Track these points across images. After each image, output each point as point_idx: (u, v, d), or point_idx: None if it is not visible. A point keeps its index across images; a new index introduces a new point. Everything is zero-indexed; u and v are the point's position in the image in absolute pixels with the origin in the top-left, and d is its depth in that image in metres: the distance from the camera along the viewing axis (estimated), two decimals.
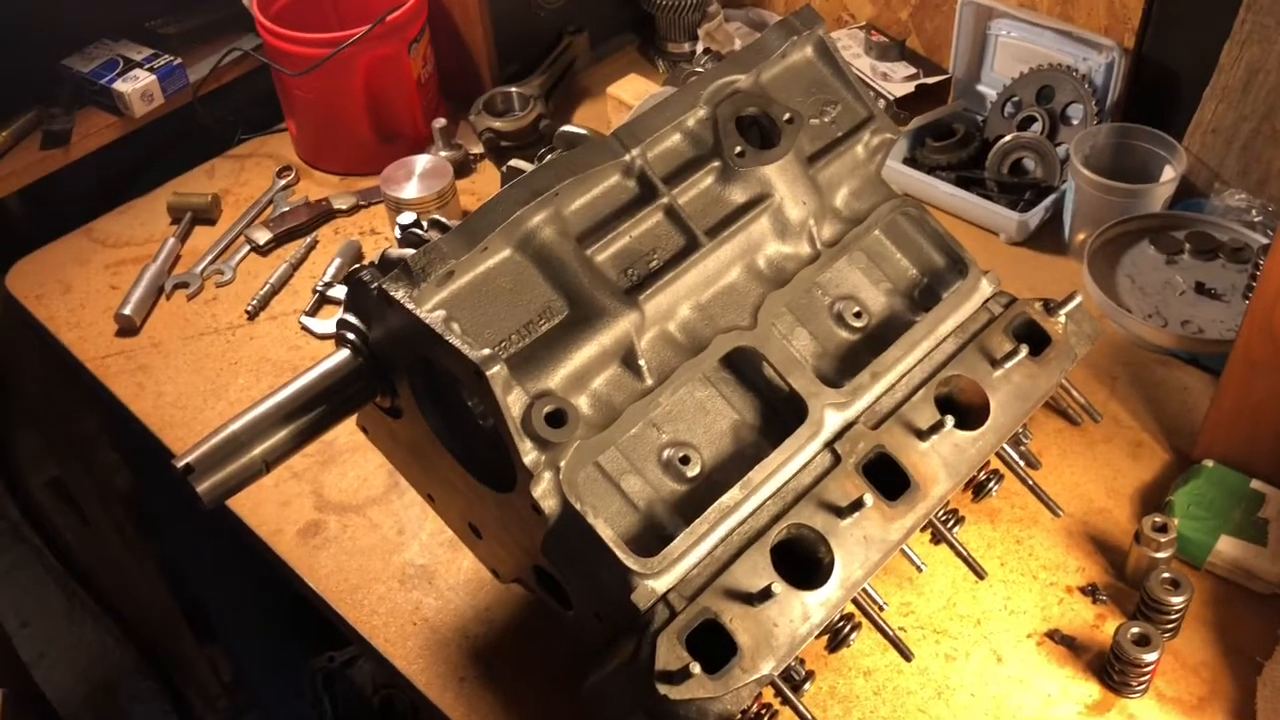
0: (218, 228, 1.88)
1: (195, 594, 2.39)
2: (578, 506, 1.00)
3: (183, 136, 2.00)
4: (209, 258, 1.82)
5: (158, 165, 1.99)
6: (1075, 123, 1.77)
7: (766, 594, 1.00)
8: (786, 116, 1.20)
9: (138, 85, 1.87)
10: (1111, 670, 1.19)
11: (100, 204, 1.93)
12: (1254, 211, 1.61)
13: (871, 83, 1.92)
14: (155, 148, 1.99)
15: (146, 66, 1.90)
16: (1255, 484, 1.33)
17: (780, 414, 1.13)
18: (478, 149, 1.96)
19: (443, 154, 1.90)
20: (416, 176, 1.78)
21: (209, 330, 1.71)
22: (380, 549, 1.41)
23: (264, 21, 1.83)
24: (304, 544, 1.42)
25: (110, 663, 2.69)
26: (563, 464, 1.01)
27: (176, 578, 2.35)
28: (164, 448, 1.55)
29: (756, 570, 1.02)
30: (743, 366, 1.14)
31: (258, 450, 1.08)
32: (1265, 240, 1.56)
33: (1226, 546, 1.27)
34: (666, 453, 1.09)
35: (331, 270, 1.76)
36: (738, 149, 1.18)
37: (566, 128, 1.23)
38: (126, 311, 1.70)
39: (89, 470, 2.17)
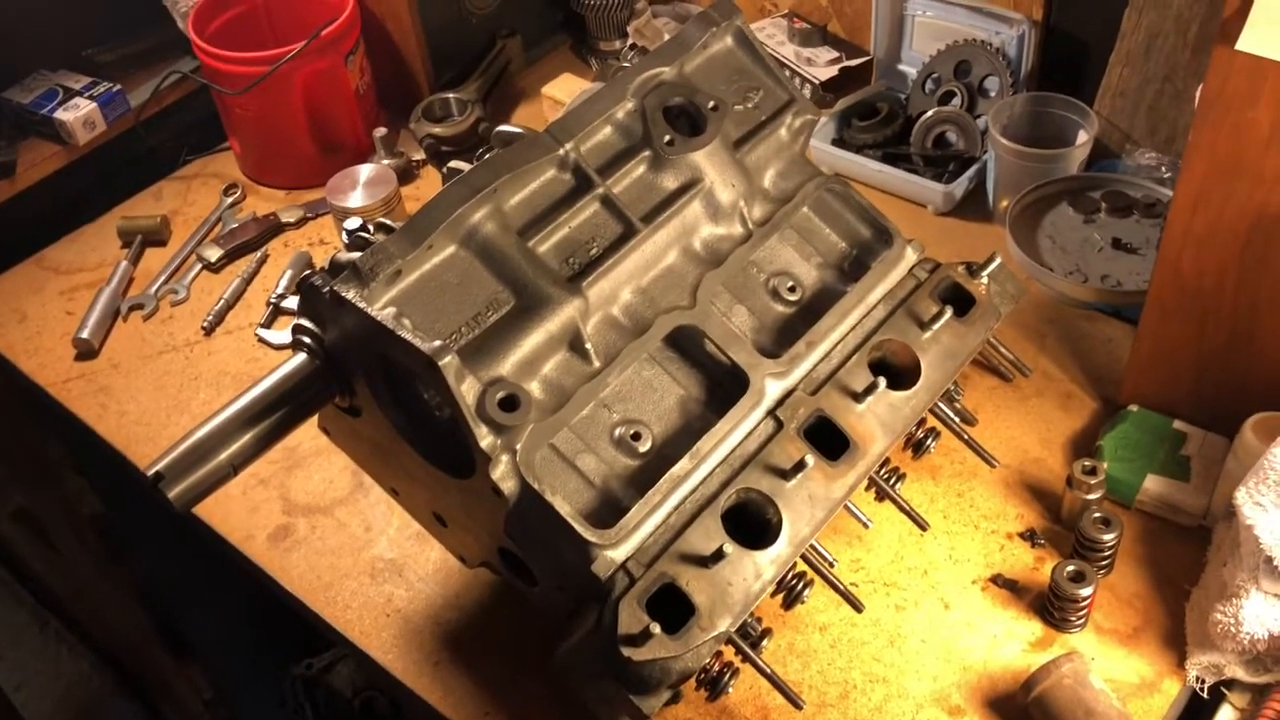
0: (169, 248, 1.91)
1: (170, 613, 2.41)
2: (536, 486, 1.05)
3: (127, 161, 2.02)
4: (162, 278, 1.85)
5: (104, 191, 2.01)
6: (992, 94, 1.84)
7: (719, 555, 1.06)
8: (711, 104, 1.25)
9: (79, 113, 1.89)
10: (1051, 608, 1.26)
11: (49, 233, 1.95)
12: (1164, 168, 1.69)
13: (796, 69, 1.98)
14: (100, 174, 2.01)
15: (86, 94, 1.93)
16: (1177, 424, 1.40)
17: (724, 386, 1.18)
18: (420, 155, 2.00)
19: (385, 162, 1.94)
20: (361, 185, 1.82)
21: (167, 348, 1.74)
22: (350, 547, 1.45)
23: (200, 43, 1.86)
24: (275, 547, 1.46)
25: (89, 688, 2.69)
26: (519, 447, 1.06)
27: (150, 598, 2.36)
28: (132, 466, 1.58)
29: (709, 534, 1.08)
30: (685, 344, 1.19)
31: (224, 455, 1.13)
32: None
33: (1153, 484, 1.35)
34: (618, 430, 1.14)
35: (284, 282, 1.80)
36: (667, 138, 1.23)
37: (502, 127, 1.28)
38: (84, 335, 1.73)
39: (56, 498, 2.18)
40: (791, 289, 1.27)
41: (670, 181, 1.24)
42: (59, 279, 1.88)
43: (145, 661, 2.52)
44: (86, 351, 1.74)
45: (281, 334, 1.73)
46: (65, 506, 2.19)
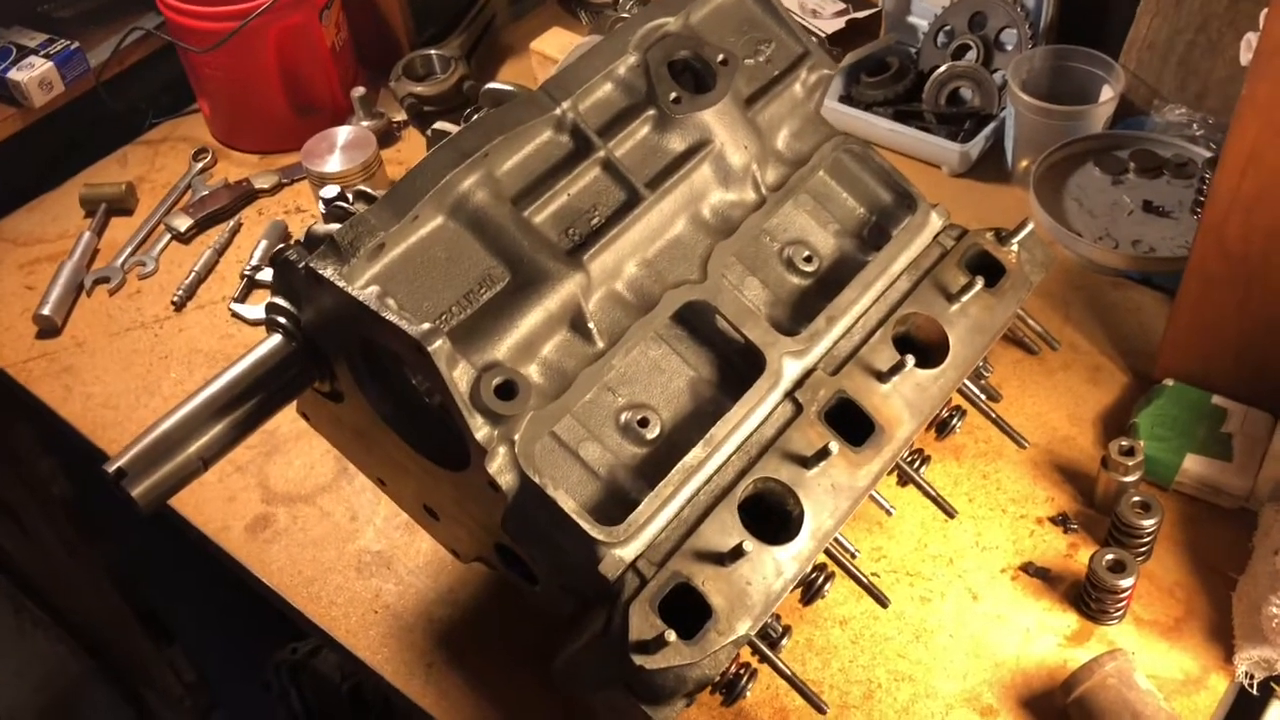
0: (135, 218, 1.81)
1: (148, 596, 2.33)
2: (536, 480, 0.96)
3: (89, 125, 1.92)
4: (128, 249, 1.75)
5: (65, 157, 1.91)
6: (1010, 48, 1.75)
7: (738, 552, 0.97)
8: (720, 58, 1.15)
9: (34, 73, 1.77)
10: (1088, 599, 1.18)
11: (6, 202, 1.86)
12: (1195, 126, 1.60)
13: (801, 21, 1.87)
14: (60, 139, 1.90)
15: (42, 53, 1.81)
16: (1216, 400, 1.32)
17: (737, 367, 1.09)
18: (401, 116, 1.90)
19: (365, 124, 1.84)
20: (339, 149, 1.72)
21: (135, 325, 1.64)
22: (334, 538, 1.36)
23: None
24: (254, 539, 1.37)
25: (66, 673, 2.62)
26: (517, 437, 0.97)
27: (127, 581, 2.28)
28: (98, 451, 1.49)
29: (725, 529, 0.99)
30: (695, 321, 1.10)
31: (193, 448, 1.03)
32: (1208, 154, 1.55)
33: (1193, 464, 1.26)
34: (624, 416, 1.05)
35: (258, 253, 1.70)
36: (673, 95, 1.13)
37: (492, 85, 1.18)
38: (46, 312, 1.63)
39: (24, 480, 2.09)
40: (808, 259, 1.18)
41: (677, 143, 1.14)
42: (17, 251, 1.77)
43: (123, 645, 2.45)
44: (49, 329, 1.64)
45: (256, 308, 1.63)
46: (35, 489, 2.10)
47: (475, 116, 1.15)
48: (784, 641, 1.09)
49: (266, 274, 1.67)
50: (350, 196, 1.09)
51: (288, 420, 1.35)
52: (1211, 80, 1.58)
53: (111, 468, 1.00)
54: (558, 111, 1.09)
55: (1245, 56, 1.11)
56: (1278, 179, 1.14)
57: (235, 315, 1.64)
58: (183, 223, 1.76)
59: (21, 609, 2.66)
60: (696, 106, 1.13)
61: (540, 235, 1.05)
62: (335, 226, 0.99)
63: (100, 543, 2.21)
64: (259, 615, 2.03)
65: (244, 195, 1.81)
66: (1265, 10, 1.06)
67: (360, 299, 0.95)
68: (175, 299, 1.66)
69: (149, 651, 2.41)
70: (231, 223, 1.77)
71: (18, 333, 1.65)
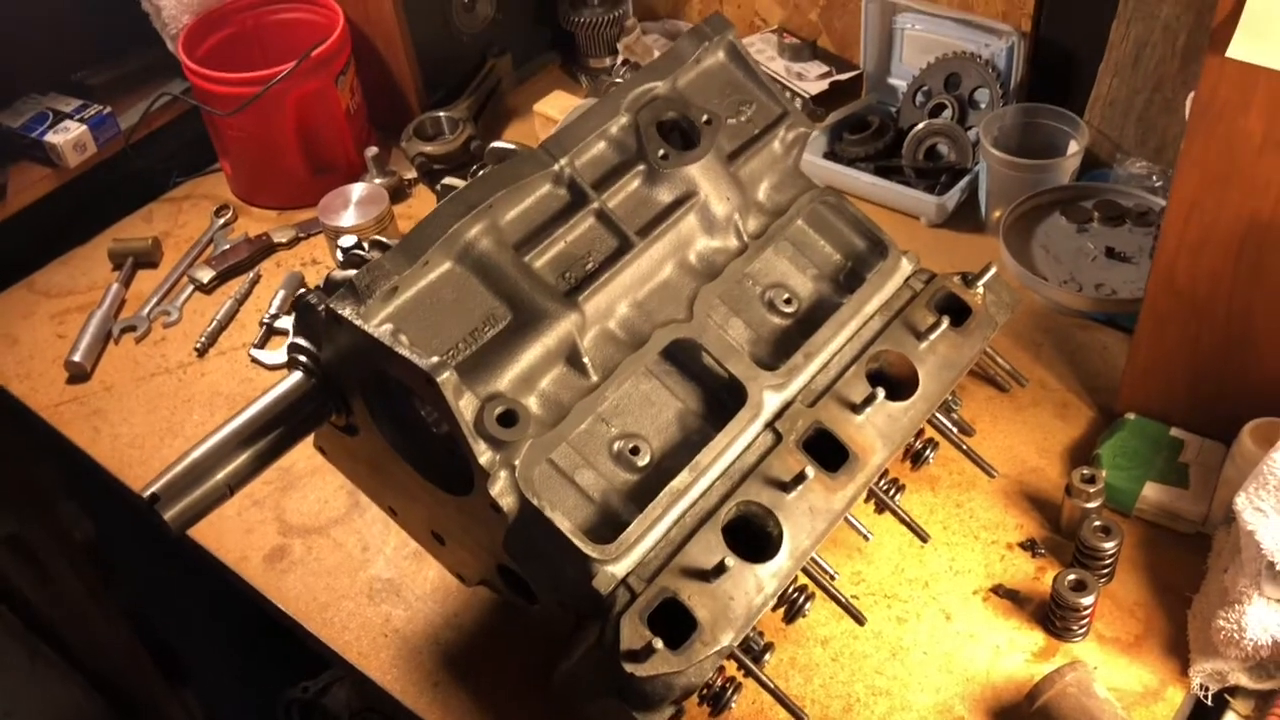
0: (160, 270, 1.91)
1: (162, 637, 2.39)
2: (535, 502, 1.04)
3: (116, 183, 2.02)
4: (154, 300, 1.84)
5: (93, 213, 2.00)
6: (983, 106, 1.85)
7: (721, 569, 1.05)
8: (705, 118, 1.26)
9: (69, 136, 1.89)
10: (1053, 617, 1.26)
11: (39, 256, 1.95)
12: (1155, 177, 1.70)
13: (787, 83, 1.99)
14: (90, 196, 2.00)
15: (77, 117, 1.92)
16: (1174, 431, 1.40)
17: (722, 399, 1.18)
18: (411, 174, 2.00)
19: (377, 181, 1.94)
20: (353, 204, 1.82)
21: (160, 370, 1.73)
22: (346, 566, 1.44)
23: (191, 65, 1.86)
24: (271, 569, 1.45)
25: (80, 714, 2.66)
26: (517, 462, 1.05)
27: (142, 622, 2.34)
28: (126, 489, 1.57)
29: (710, 548, 1.07)
30: (682, 357, 1.19)
31: (220, 475, 1.12)
32: (1166, 203, 1.65)
33: (1152, 492, 1.35)
34: (616, 445, 1.14)
35: (276, 302, 1.79)
36: (661, 152, 1.23)
37: (496, 144, 1.28)
38: (76, 358, 1.72)
39: (48, 523, 2.16)
40: (787, 301, 1.27)
41: (665, 195, 1.24)
42: (50, 302, 1.87)
43: (137, 686, 2.50)
44: (79, 374, 1.73)
45: (275, 354, 1.72)
46: (57, 531, 2.17)
47: (480, 172, 1.25)
48: (767, 656, 1.17)
49: (284, 322, 1.76)
50: (366, 245, 1.19)
51: (303, 457, 1.45)
52: (1168, 135, 1.68)
53: (147, 492, 1.08)
54: (556, 167, 1.19)
55: (1189, 113, 1.21)
56: (1217, 225, 1.24)
57: (255, 361, 1.73)
58: (205, 274, 1.85)
59: (36, 652, 2.72)
60: (683, 162, 1.23)
61: (539, 278, 1.14)
62: (353, 272, 1.09)
63: (119, 583, 2.27)
64: (270, 654, 2.10)
65: (263, 249, 1.91)
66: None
67: (376, 335, 1.04)
68: (198, 346, 1.75)
69: (163, 693, 2.46)
70: (251, 274, 1.87)
71: (50, 378, 1.74)
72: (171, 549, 1.41)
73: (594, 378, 1.14)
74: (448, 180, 1.27)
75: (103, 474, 1.62)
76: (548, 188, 1.20)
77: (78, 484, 2.05)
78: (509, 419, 1.05)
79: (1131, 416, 1.43)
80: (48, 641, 2.66)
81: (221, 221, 1.97)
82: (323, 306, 1.08)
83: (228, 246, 1.91)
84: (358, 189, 1.84)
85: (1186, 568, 1.31)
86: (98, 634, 2.39)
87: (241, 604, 1.47)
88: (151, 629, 2.36)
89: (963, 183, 1.78)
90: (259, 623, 1.46)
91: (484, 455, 1.04)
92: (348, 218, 1.80)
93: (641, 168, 1.23)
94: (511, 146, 1.28)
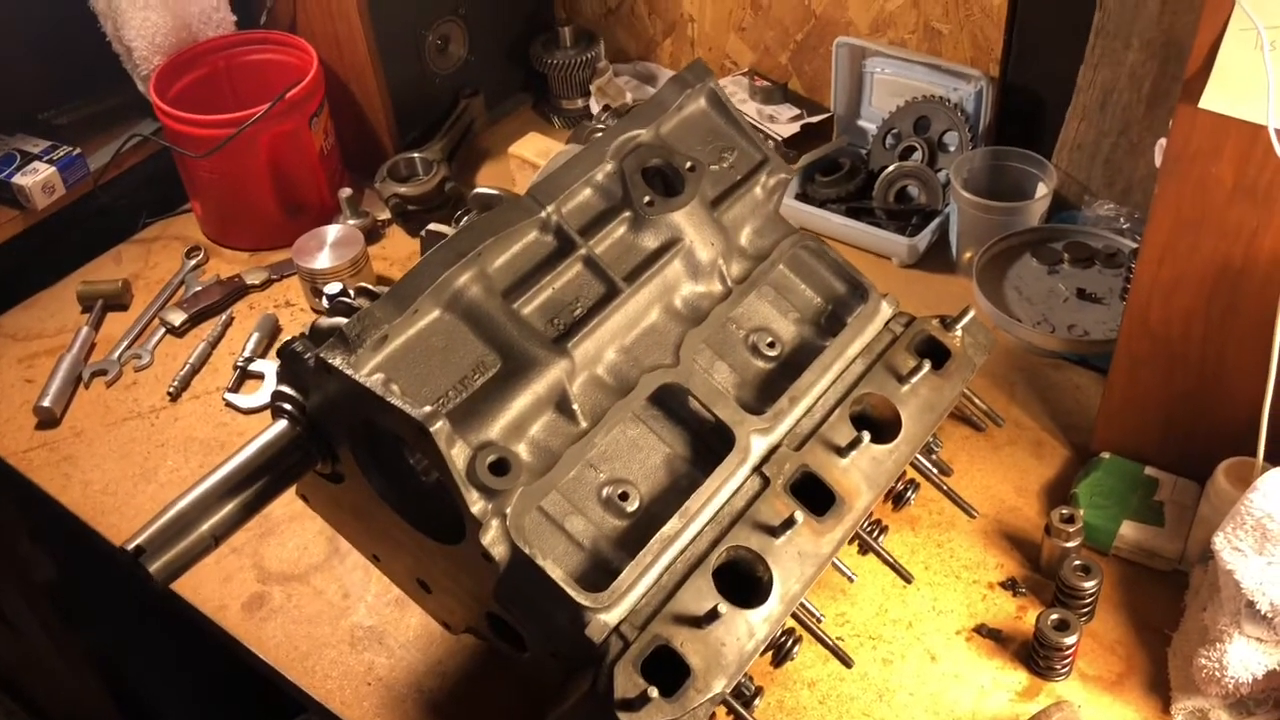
0: (130, 313, 1.89)
1: (129, 684, 2.34)
2: (526, 550, 1.04)
3: (85, 224, 2.00)
4: (125, 343, 1.82)
5: (62, 255, 1.98)
6: (952, 149, 1.88)
7: (713, 615, 1.06)
8: (688, 165, 1.27)
9: (38, 178, 1.87)
10: (1036, 657, 1.27)
11: (6, 298, 1.92)
12: (1122, 219, 1.73)
13: (759, 126, 2.01)
14: (58, 238, 1.98)
15: (45, 159, 1.90)
16: (1149, 470, 1.43)
17: (709, 444, 1.19)
18: (385, 215, 2.00)
19: (351, 222, 1.93)
20: (328, 246, 1.81)
21: (132, 415, 1.71)
22: (327, 614, 1.42)
23: (162, 106, 1.85)
24: (250, 617, 1.43)
25: None
26: (509, 511, 1.05)
27: (110, 671, 2.30)
28: (98, 536, 1.55)
29: (701, 594, 1.08)
30: (670, 402, 1.20)
31: (205, 526, 1.10)
32: (1134, 245, 1.69)
33: (1129, 530, 1.37)
34: (605, 490, 1.14)
35: (250, 345, 1.78)
36: (646, 198, 1.24)
37: (480, 189, 1.29)
38: (46, 403, 1.69)
39: (9, 567, 2.12)
40: (771, 345, 1.28)
41: (651, 241, 1.25)
42: (17, 346, 1.84)
43: None
44: (48, 420, 1.70)
45: (249, 398, 1.71)
46: (17, 574, 2.13)
47: (465, 219, 1.26)
48: (757, 701, 1.17)
49: (258, 365, 1.75)
50: (352, 292, 1.18)
51: (282, 503, 1.42)
52: (1135, 178, 1.72)
53: (131, 545, 1.06)
54: (543, 214, 1.20)
55: (1158, 159, 1.24)
56: (1189, 268, 1.27)
57: (229, 404, 1.71)
58: (177, 317, 1.84)
59: None
60: (668, 208, 1.25)
61: (528, 325, 1.14)
62: (341, 320, 1.09)
63: (82, 629, 2.23)
64: (241, 701, 2.07)
65: (235, 290, 1.89)
66: (1172, 120, 1.20)
67: (367, 385, 1.03)
68: (171, 390, 1.73)
69: None
70: (224, 316, 1.85)
71: (18, 424, 1.71)
72: (137, 595, 1.38)
73: (583, 424, 1.14)
74: (433, 226, 1.28)
75: (72, 521, 1.59)
76: (535, 235, 1.20)
77: (42, 528, 2.01)
78: (501, 467, 1.05)
79: (1107, 456, 1.45)
80: (8, 689, 2.60)
81: (193, 263, 1.96)
82: (310, 355, 1.08)
83: (199, 288, 1.89)
84: (333, 230, 1.83)
85: (1165, 605, 1.32)
86: (62, 681, 2.34)
87: (211, 651, 1.45)
88: (117, 675, 2.32)
89: (933, 224, 1.81)
90: (230, 669, 1.44)
91: (476, 504, 1.04)
92: (323, 259, 1.79)
93: (627, 214, 1.24)
94: (496, 192, 1.29)
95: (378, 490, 1.15)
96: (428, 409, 1.02)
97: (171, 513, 1.09)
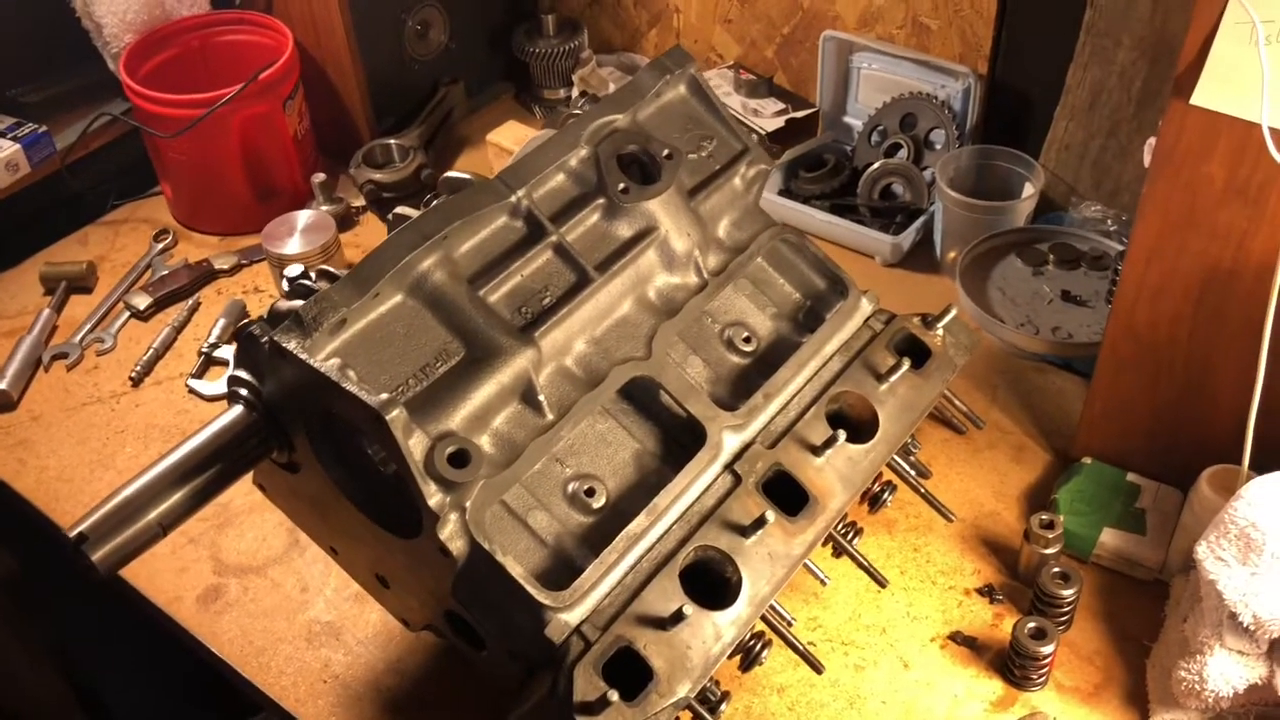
0: (95, 296, 1.84)
1: (89, 676, 2.29)
2: (486, 546, 1.00)
3: (50, 204, 1.95)
4: (87, 326, 1.78)
5: (26, 236, 1.94)
6: (938, 147, 1.85)
7: (678, 617, 1.02)
8: (666, 153, 1.23)
9: (1, 155, 1.82)
10: (1012, 666, 1.24)
11: None
12: (1109, 221, 1.70)
13: (743, 119, 1.97)
14: (22, 217, 1.93)
15: (10, 135, 1.85)
16: (1131, 477, 1.40)
17: (680, 440, 1.15)
18: (359, 201, 1.96)
19: (324, 208, 1.89)
20: (299, 232, 1.77)
21: (91, 400, 1.67)
22: (284, 608, 1.38)
23: (132, 85, 1.81)
24: (205, 610, 1.39)
25: None
26: (468, 504, 1.01)
27: (68, 662, 2.25)
28: (52, 525, 1.50)
29: (667, 595, 1.04)
30: (640, 396, 1.16)
31: (153, 514, 1.06)
32: (1121, 248, 1.66)
33: (1109, 538, 1.33)
34: (571, 486, 1.10)
35: (216, 331, 1.74)
36: (621, 185, 1.20)
37: (450, 173, 1.25)
38: (2, 386, 1.65)
39: None
40: (747, 339, 1.24)
41: (624, 230, 1.21)
42: None
43: None
44: (5, 403, 1.66)
45: (213, 385, 1.67)
46: None
47: (434, 202, 1.22)
48: (723, 707, 1.13)
49: (224, 351, 1.70)
50: (313, 275, 1.14)
51: (240, 493, 1.39)
52: (1123, 180, 1.69)
53: (73, 532, 1.02)
54: (513, 199, 1.16)
55: (1147, 159, 1.21)
56: (1177, 270, 1.24)
57: (192, 391, 1.67)
58: (142, 301, 1.79)
59: None
60: (643, 196, 1.21)
61: (494, 313, 1.10)
62: (299, 303, 1.04)
63: (41, 621, 2.18)
64: (204, 696, 2.02)
65: (203, 275, 1.85)
66: (1162, 117, 1.17)
67: (322, 370, 0.99)
68: (133, 375, 1.69)
69: None
70: (190, 301, 1.81)
71: None
72: (98, 586, 1.34)
73: (549, 416, 1.10)
74: (400, 209, 1.23)
75: (27, 508, 1.54)
76: (504, 219, 1.16)
77: None
78: (460, 459, 1.01)
79: (1088, 461, 1.42)
80: None
81: (160, 246, 1.91)
82: (266, 338, 1.03)
83: (166, 272, 1.85)
84: (304, 216, 1.79)
85: (1144, 615, 1.29)
86: (18, 672, 2.29)
87: (172, 646, 1.41)
88: (77, 667, 2.27)
89: (918, 223, 1.78)
90: (193, 662, 1.40)
91: (434, 497, 1.00)
92: (293, 245, 1.75)
93: (601, 201, 1.20)
94: (466, 176, 1.25)
95: (335, 481, 1.11)
96: (384, 396, 0.98)
97: (117, 499, 1.05)
